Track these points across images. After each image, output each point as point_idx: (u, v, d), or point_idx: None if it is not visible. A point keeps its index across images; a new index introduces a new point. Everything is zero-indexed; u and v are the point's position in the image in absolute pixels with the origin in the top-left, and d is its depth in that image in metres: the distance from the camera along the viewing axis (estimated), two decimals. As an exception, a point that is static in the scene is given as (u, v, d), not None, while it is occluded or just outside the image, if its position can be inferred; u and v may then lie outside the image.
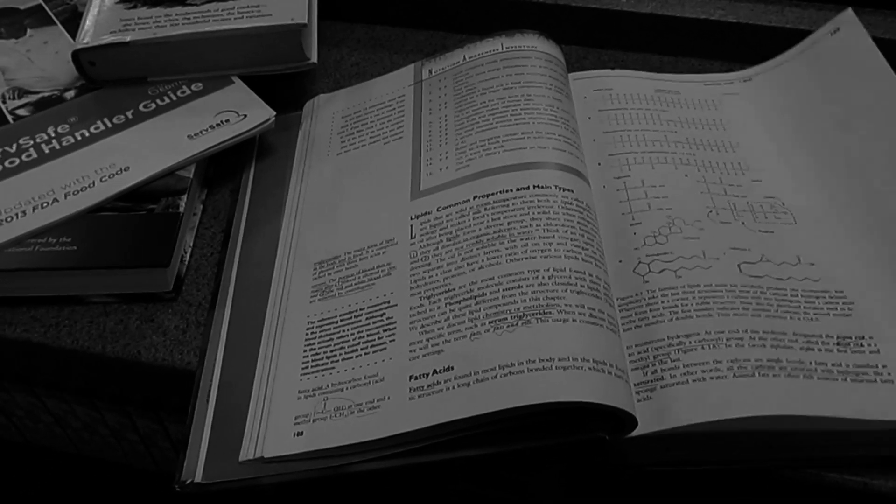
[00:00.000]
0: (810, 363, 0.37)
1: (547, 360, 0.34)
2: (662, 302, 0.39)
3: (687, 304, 0.39)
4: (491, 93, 0.47)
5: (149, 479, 0.72)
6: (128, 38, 0.50)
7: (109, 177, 0.46)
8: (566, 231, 0.39)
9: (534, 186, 0.41)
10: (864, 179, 0.44)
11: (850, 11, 0.51)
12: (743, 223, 0.43)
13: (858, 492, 0.37)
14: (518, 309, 0.36)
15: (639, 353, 0.38)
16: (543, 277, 0.37)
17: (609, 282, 0.39)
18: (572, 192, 0.41)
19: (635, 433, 0.35)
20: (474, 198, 0.42)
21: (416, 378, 0.36)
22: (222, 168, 0.52)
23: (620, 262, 0.42)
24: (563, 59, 0.51)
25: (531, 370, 0.34)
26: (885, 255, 0.41)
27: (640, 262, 0.41)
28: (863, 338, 0.38)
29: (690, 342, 0.37)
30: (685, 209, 0.44)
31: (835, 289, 0.41)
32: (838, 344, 0.38)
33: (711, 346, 0.37)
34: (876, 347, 0.38)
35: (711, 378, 0.36)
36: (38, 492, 0.86)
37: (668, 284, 0.40)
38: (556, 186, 0.41)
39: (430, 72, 0.52)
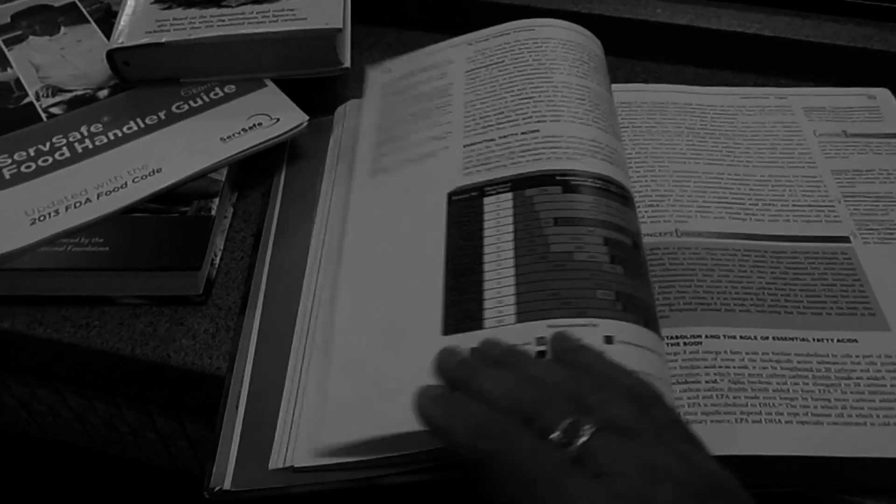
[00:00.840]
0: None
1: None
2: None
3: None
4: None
5: (167, 478, 0.71)
6: (163, 39, 0.50)
7: (142, 178, 0.46)
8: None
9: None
10: None
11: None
12: None
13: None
14: None
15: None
16: None
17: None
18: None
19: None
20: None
21: None
22: (253, 171, 0.51)
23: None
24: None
25: None
26: None
27: None
28: None
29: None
30: None
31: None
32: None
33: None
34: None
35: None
36: (57, 487, 0.86)
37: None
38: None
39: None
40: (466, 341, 0.36)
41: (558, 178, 0.41)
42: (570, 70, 0.46)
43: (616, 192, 0.40)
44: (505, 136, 0.44)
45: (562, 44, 0.48)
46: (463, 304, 0.37)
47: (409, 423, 0.33)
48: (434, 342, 0.36)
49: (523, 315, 0.36)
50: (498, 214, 0.40)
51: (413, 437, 0.33)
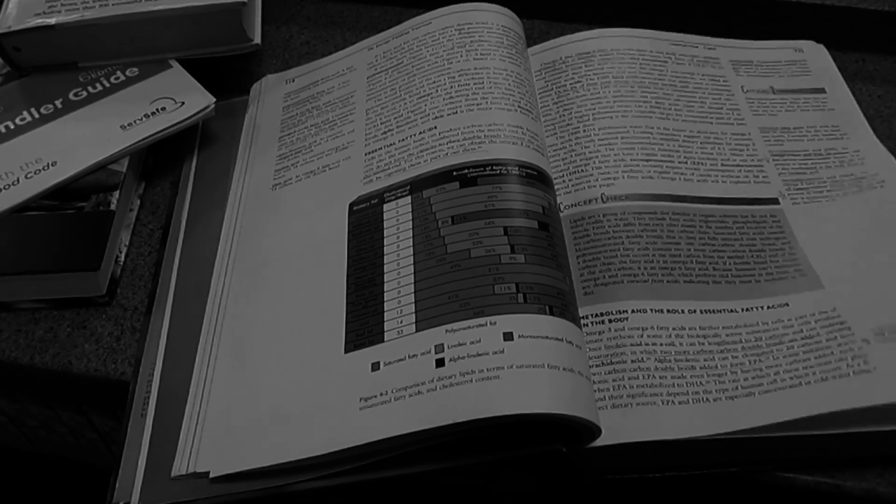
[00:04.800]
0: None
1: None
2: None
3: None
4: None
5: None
6: (53, 21, 0.46)
7: (35, 173, 0.43)
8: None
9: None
10: None
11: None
12: None
13: (831, 494, 0.35)
14: None
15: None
16: None
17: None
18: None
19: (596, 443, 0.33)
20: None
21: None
22: (162, 158, 0.49)
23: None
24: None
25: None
26: None
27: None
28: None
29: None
30: None
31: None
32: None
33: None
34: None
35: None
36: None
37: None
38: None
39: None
40: (367, 357, 0.34)
41: (455, 173, 0.39)
42: (467, 55, 0.45)
43: (520, 175, 0.38)
44: (404, 139, 0.42)
45: (458, 31, 0.46)
46: (364, 319, 0.36)
47: (310, 449, 0.32)
48: (336, 361, 0.35)
49: (422, 323, 0.34)
50: (398, 220, 0.39)
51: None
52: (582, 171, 0.43)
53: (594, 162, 0.43)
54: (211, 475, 0.34)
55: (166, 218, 0.45)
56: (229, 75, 0.52)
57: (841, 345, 0.36)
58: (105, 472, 0.67)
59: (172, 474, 0.34)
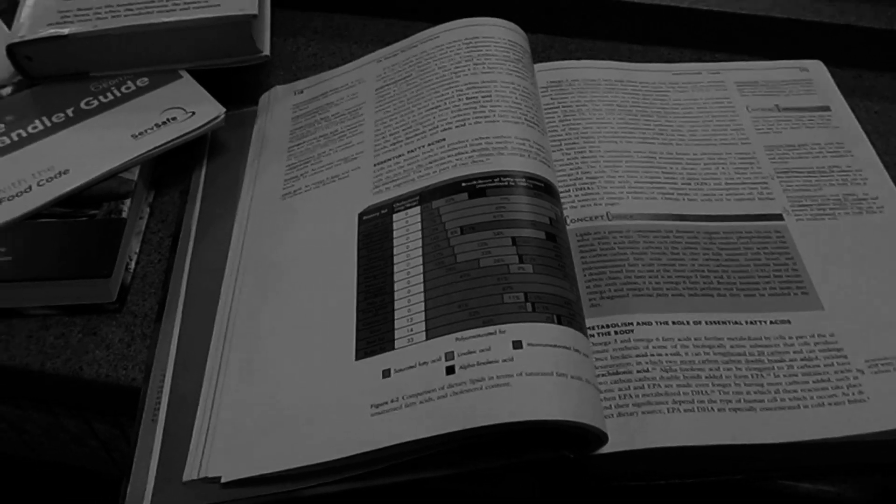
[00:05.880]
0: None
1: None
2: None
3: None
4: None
5: (113, 484, 0.69)
6: (66, 31, 0.47)
7: (47, 180, 0.44)
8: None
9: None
10: None
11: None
12: None
13: (832, 501, 0.36)
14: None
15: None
16: None
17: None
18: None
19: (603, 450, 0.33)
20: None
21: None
22: (171, 168, 0.49)
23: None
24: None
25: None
26: None
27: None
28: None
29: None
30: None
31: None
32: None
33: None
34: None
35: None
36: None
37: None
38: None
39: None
40: (378, 364, 0.35)
41: (464, 184, 0.40)
42: (475, 69, 0.45)
43: (527, 186, 0.39)
44: (413, 150, 0.43)
45: (466, 45, 0.47)
46: (375, 326, 0.36)
47: (322, 454, 0.32)
48: (347, 368, 0.36)
49: (432, 331, 0.35)
50: (407, 230, 0.39)
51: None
52: (588, 188, 0.44)
53: (600, 181, 0.44)
54: (222, 480, 0.34)
55: (176, 226, 0.46)
56: (238, 86, 0.53)
57: (838, 372, 0.37)
58: (106, 479, 0.67)
59: (184, 479, 0.35)
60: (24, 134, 0.46)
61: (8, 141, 0.46)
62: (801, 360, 0.37)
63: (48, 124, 0.47)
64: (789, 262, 0.41)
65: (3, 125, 0.47)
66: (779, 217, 0.43)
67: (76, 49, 0.48)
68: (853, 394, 0.36)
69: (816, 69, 0.52)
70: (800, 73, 0.51)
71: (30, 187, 0.43)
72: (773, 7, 0.56)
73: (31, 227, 0.42)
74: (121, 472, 0.68)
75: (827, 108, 0.49)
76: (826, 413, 0.35)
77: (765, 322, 0.38)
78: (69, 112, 0.47)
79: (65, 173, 0.44)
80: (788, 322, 0.38)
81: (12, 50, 0.47)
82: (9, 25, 0.53)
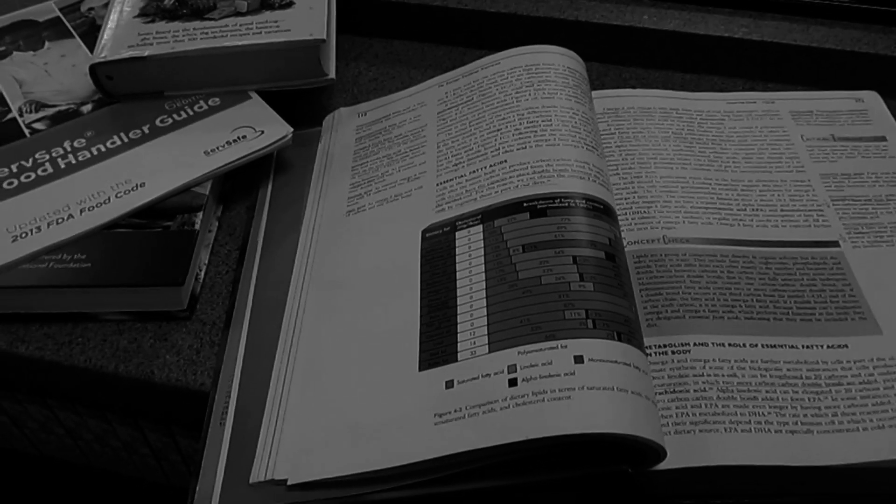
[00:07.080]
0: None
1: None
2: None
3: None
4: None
5: (160, 493, 0.71)
6: (146, 53, 0.49)
7: (125, 193, 0.46)
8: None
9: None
10: None
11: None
12: None
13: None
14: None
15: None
16: None
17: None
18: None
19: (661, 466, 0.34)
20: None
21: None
22: (238, 184, 0.51)
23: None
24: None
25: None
26: None
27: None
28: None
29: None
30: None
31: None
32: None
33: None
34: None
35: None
36: (51, 503, 0.85)
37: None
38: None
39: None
40: (441, 375, 0.36)
41: (525, 204, 0.41)
42: (535, 94, 0.47)
43: (587, 207, 0.40)
44: (475, 171, 0.45)
45: (526, 71, 0.49)
46: (438, 339, 0.38)
47: (386, 460, 0.34)
48: (411, 378, 0.37)
49: (494, 344, 0.36)
50: (469, 248, 0.40)
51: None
52: (644, 212, 0.45)
53: (656, 206, 0.45)
54: (288, 482, 0.35)
55: (243, 239, 0.48)
56: (302, 107, 0.55)
57: None
58: (152, 487, 0.69)
59: (251, 481, 0.36)
60: (103, 149, 0.49)
61: (89, 155, 0.48)
62: (860, 383, 0.37)
63: (126, 140, 0.49)
64: (846, 288, 0.41)
65: (84, 140, 0.49)
66: (835, 244, 0.44)
67: (154, 70, 0.51)
68: None
69: (872, 100, 0.52)
70: (855, 103, 0.52)
71: (108, 199, 0.46)
72: (826, 39, 0.57)
73: (109, 237, 0.44)
74: (169, 482, 0.70)
75: (883, 139, 0.50)
76: (885, 435, 0.35)
77: (821, 346, 0.38)
78: (145, 129, 0.50)
79: (141, 186, 0.46)
80: (846, 346, 0.38)
81: (94, 70, 0.50)
82: (88, 47, 0.56)
